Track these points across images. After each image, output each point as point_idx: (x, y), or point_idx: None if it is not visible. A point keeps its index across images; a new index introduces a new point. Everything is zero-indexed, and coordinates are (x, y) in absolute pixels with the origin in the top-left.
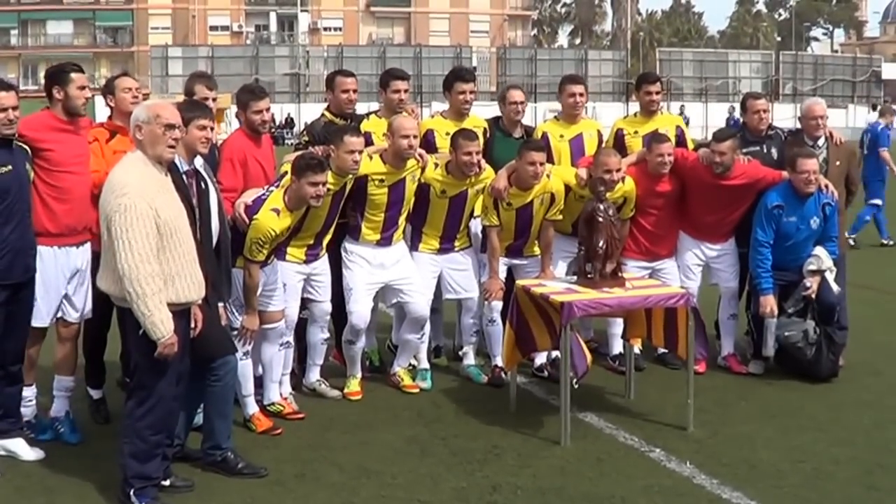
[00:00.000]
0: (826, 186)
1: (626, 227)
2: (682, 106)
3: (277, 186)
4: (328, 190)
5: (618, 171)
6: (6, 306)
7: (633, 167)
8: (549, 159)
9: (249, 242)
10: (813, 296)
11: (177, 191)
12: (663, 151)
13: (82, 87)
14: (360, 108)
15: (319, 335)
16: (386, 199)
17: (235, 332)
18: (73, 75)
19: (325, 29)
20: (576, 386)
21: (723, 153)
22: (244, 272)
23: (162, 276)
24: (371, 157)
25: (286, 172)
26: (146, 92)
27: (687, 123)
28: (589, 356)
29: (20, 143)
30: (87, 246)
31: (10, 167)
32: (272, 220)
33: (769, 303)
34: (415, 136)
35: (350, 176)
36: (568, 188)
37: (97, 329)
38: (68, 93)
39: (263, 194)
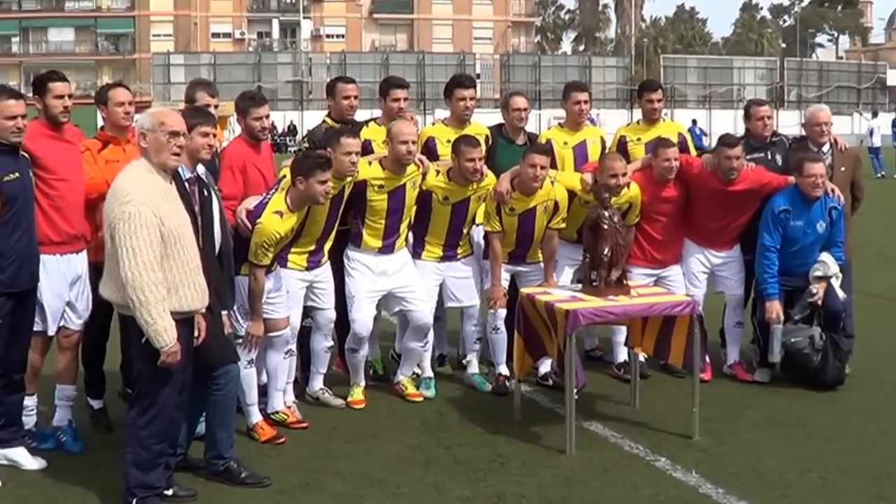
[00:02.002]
0: (832, 190)
1: (632, 233)
2: (694, 120)
3: (277, 190)
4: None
5: (623, 175)
6: (11, 315)
7: (638, 173)
8: (553, 166)
9: (254, 247)
10: (819, 302)
11: (179, 198)
12: (669, 156)
13: (59, 97)
14: (364, 115)
15: (323, 343)
16: (386, 206)
17: (240, 341)
18: (49, 84)
19: (328, 36)
20: (576, 397)
21: (737, 157)
22: (249, 277)
23: (165, 285)
24: (370, 164)
25: (285, 176)
26: (148, 99)
27: (703, 135)
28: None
29: (23, 152)
30: (85, 253)
31: (17, 174)
32: (276, 222)
33: (775, 308)
34: (413, 142)
35: (349, 179)
36: (573, 194)
37: (96, 338)
38: (45, 102)
39: (264, 199)
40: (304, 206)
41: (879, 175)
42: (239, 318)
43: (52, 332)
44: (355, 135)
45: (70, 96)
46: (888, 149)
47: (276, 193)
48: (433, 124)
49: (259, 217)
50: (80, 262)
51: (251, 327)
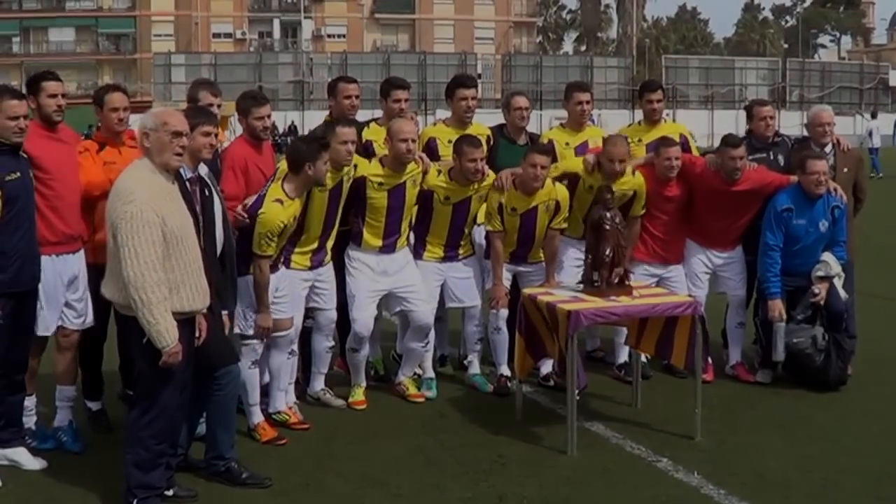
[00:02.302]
0: (835, 189)
1: (637, 225)
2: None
3: (272, 181)
4: (325, 185)
5: (622, 161)
6: (12, 315)
7: (642, 168)
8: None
9: (258, 237)
10: (821, 302)
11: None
12: (671, 155)
13: (53, 96)
14: (365, 115)
15: (324, 343)
16: (386, 204)
17: (246, 342)
18: (43, 83)
19: (329, 36)
20: (577, 398)
21: (741, 157)
22: (254, 268)
23: (167, 285)
24: (371, 162)
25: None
26: (149, 99)
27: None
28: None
29: (23, 152)
30: (82, 253)
31: (18, 174)
32: (278, 210)
33: (777, 307)
34: (413, 140)
35: (346, 169)
36: (576, 181)
37: (94, 340)
38: (39, 101)
39: (261, 192)
40: (305, 191)
41: (879, 176)
42: (246, 317)
43: (48, 332)
44: (351, 125)
45: (64, 95)
46: (887, 149)
47: (272, 184)
48: (434, 124)
49: (260, 208)
50: (76, 262)
51: (260, 319)
